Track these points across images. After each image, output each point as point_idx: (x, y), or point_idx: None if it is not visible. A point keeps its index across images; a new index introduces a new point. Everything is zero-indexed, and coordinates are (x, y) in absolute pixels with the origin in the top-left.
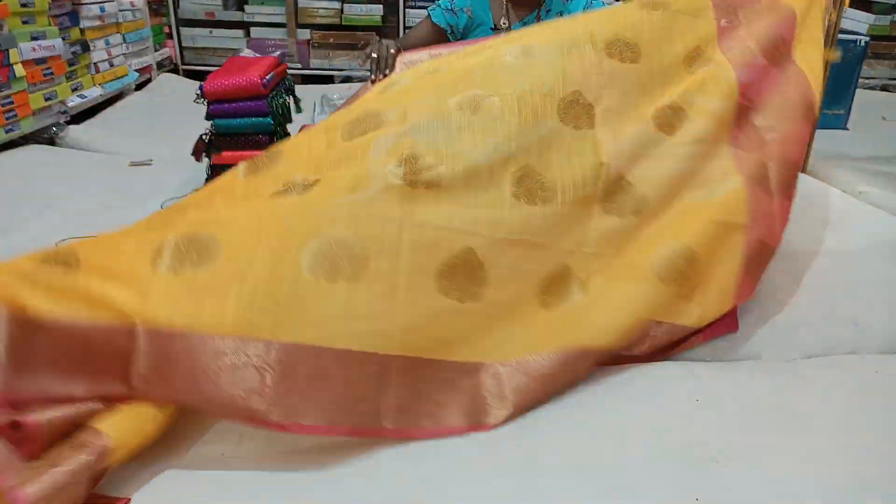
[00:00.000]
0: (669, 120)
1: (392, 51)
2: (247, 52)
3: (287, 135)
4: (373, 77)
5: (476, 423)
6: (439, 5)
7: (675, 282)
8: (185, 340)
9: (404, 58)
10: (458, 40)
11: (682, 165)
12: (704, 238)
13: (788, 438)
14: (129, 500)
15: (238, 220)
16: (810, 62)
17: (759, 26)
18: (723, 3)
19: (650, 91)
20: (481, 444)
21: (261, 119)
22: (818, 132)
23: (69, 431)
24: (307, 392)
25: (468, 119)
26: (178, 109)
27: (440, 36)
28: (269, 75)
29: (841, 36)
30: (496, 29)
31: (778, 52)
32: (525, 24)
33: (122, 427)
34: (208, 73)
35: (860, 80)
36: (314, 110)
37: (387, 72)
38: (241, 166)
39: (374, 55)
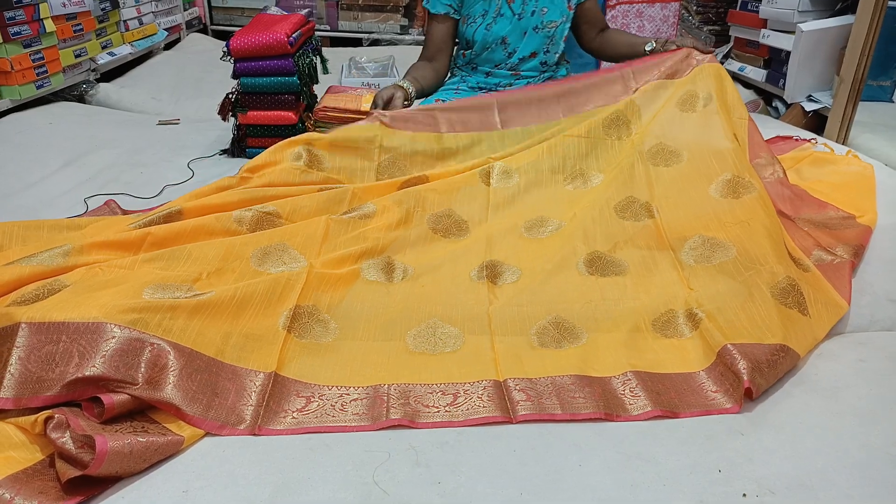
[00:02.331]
0: None
1: (397, 94)
2: (274, 10)
3: (314, 96)
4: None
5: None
6: None
7: None
8: None
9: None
10: (462, 16)
11: None
12: None
13: (814, 412)
14: None
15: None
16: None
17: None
18: None
19: None
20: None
21: (287, 78)
22: (862, 104)
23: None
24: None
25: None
26: (206, 69)
27: (450, 23)
28: (296, 33)
29: (891, 3)
30: None
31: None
32: None
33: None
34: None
35: None
36: (342, 73)
37: (386, 109)
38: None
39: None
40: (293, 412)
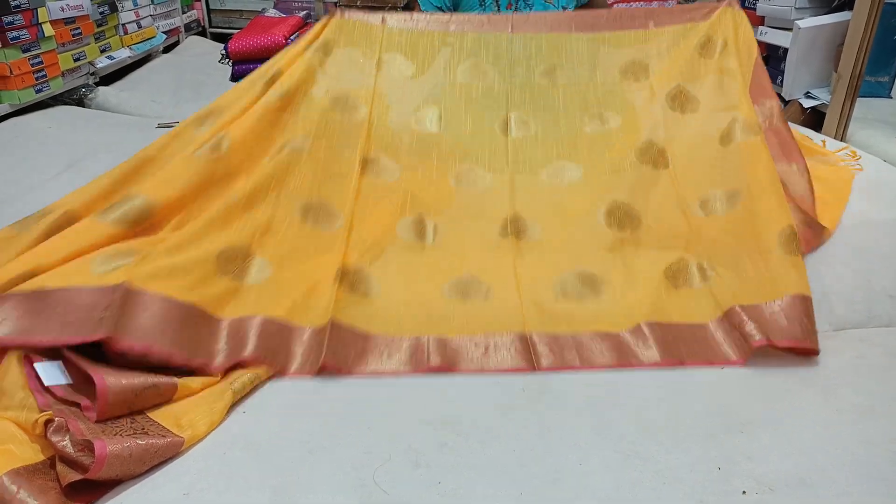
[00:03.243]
0: None
1: None
2: (272, 13)
3: None
4: None
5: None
6: None
7: None
8: None
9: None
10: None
11: None
12: None
13: (813, 408)
14: None
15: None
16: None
17: None
18: None
19: None
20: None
21: None
22: (860, 100)
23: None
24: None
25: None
26: (205, 72)
27: None
28: (294, 35)
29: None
30: None
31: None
32: None
33: (194, 423)
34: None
35: None
36: None
37: None
38: None
39: None
40: (349, 359)
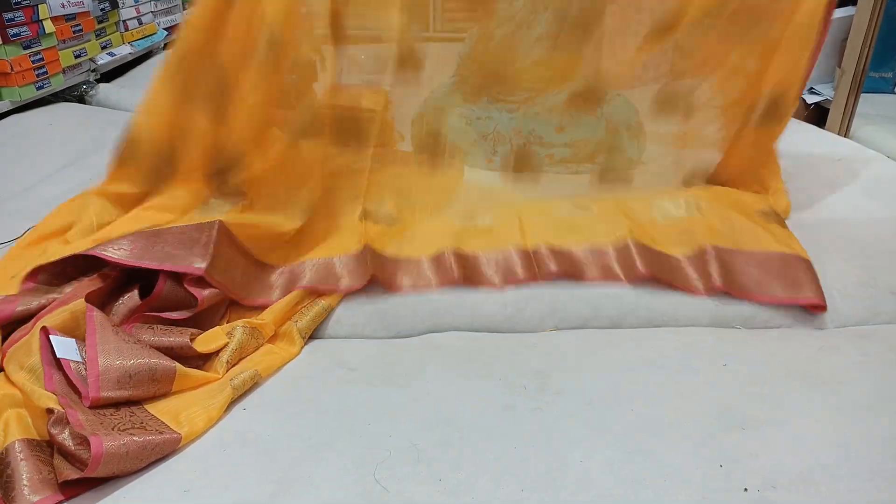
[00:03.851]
0: None
1: None
2: None
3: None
4: None
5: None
6: None
7: None
8: None
9: None
10: None
11: None
12: None
13: (816, 405)
14: None
15: None
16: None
17: None
18: None
19: None
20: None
21: None
22: (863, 96)
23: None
24: None
25: None
26: None
27: None
28: None
29: None
30: None
31: None
32: None
33: (192, 418)
34: None
35: None
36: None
37: None
38: None
39: None
40: (385, 276)
